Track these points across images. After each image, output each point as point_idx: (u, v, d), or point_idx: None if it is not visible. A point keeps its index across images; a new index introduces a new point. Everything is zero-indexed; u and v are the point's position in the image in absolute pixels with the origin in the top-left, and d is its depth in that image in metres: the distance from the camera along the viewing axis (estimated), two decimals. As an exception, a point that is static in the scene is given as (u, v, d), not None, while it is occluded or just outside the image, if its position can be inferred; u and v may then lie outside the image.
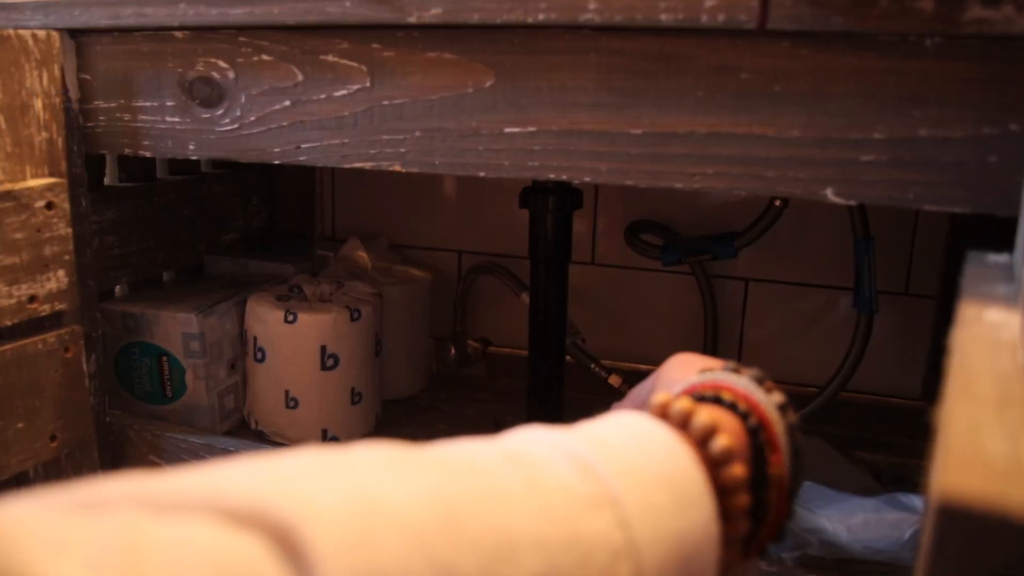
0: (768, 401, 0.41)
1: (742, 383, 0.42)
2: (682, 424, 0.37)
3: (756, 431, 0.39)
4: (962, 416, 0.23)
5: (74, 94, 0.72)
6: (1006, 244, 0.45)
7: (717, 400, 0.41)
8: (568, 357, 0.93)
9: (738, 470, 0.36)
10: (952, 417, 0.23)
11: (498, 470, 0.31)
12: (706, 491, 0.34)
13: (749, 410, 0.40)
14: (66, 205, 0.70)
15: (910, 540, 0.64)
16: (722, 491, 0.35)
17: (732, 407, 0.40)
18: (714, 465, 0.36)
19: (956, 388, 0.25)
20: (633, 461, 0.33)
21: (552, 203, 0.83)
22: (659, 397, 0.38)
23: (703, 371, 0.44)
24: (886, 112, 0.50)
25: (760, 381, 0.42)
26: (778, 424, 0.41)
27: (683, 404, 0.37)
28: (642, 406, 0.40)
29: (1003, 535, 0.19)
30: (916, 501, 0.69)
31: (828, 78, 0.51)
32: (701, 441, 0.36)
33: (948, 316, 0.33)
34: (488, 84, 0.59)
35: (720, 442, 0.36)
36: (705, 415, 0.37)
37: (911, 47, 0.49)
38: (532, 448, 0.33)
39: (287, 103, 0.65)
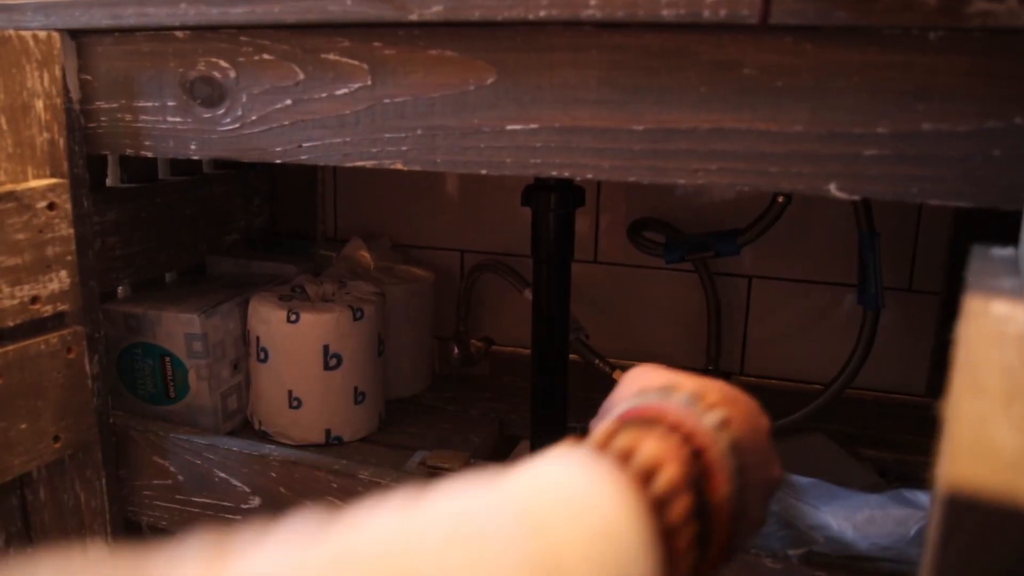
0: (707, 421, 0.41)
1: (679, 405, 0.42)
2: (623, 460, 0.37)
3: (697, 456, 0.39)
4: (969, 408, 0.23)
5: (75, 95, 0.72)
6: (1011, 238, 0.45)
7: (656, 422, 0.40)
8: (571, 355, 0.93)
9: (679, 508, 0.36)
10: (959, 409, 0.23)
11: (439, 557, 0.30)
12: (647, 537, 0.34)
13: (687, 436, 0.40)
14: (68, 206, 0.70)
15: (916, 536, 0.64)
16: (667, 530, 0.36)
17: (671, 432, 0.40)
18: (657, 505, 0.36)
19: (963, 381, 0.25)
20: (573, 521, 0.33)
21: (554, 201, 0.83)
22: (600, 432, 0.38)
23: (641, 392, 0.44)
24: (890, 106, 0.50)
25: (696, 400, 0.42)
26: (717, 445, 0.40)
27: (624, 441, 0.37)
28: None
29: (1011, 526, 0.19)
30: (922, 497, 0.69)
31: (831, 73, 0.51)
32: (642, 480, 0.36)
33: (952, 312, 0.33)
34: (490, 81, 0.59)
35: (661, 482, 0.36)
36: (646, 452, 0.37)
37: (915, 41, 0.49)
38: (470, 516, 0.32)
39: (288, 102, 0.65)
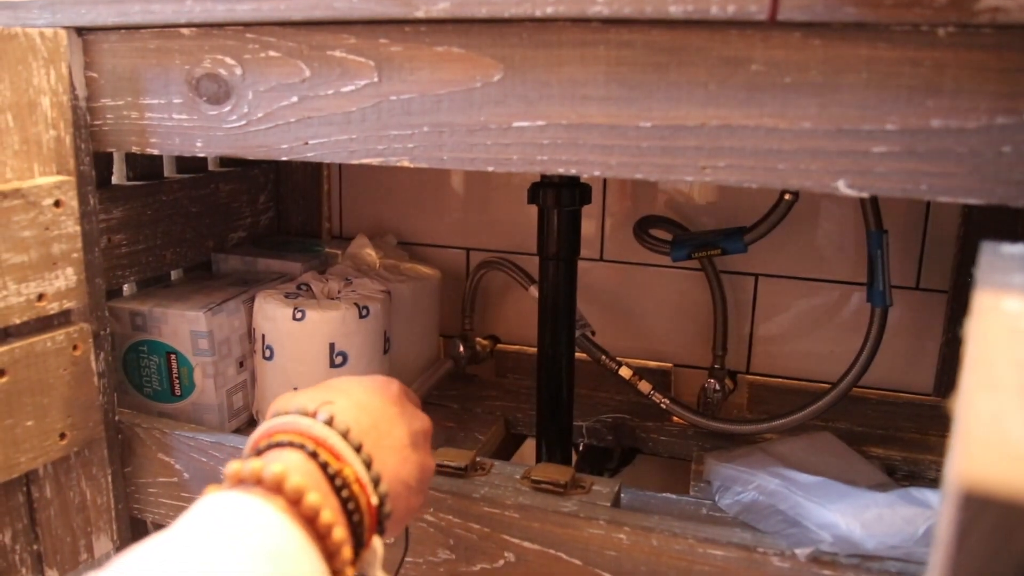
0: (319, 425, 0.48)
1: (294, 423, 0.48)
2: (276, 488, 0.43)
3: (316, 456, 0.46)
4: (983, 404, 0.23)
5: (81, 92, 0.72)
6: (1021, 235, 0.45)
7: (290, 444, 0.47)
8: (577, 352, 0.93)
9: (327, 517, 0.43)
10: (973, 406, 0.23)
11: None
12: (306, 546, 0.41)
13: (310, 441, 0.47)
14: (74, 203, 0.70)
15: (924, 536, 0.64)
16: (321, 535, 0.43)
17: (301, 447, 0.47)
18: (309, 519, 0.43)
19: (976, 377, 0.25)
20: (245, 553, 0.39)
21: (561, 198, 0.82)
22: (249, 468, 0.43)
23: (276, 413, 0.51)
24: (899, 103, 0.50)
25: (304, 413, 0.49)
26: (339, 446, 0.47)
27: (275, 471, 0.43)
28: None
29: (1029, 523, 0.18)
30: (930, 496, 0.68)
31: (840, 69, 0.50)
32: (294, 501, 0.43)
33: (961, 311, 0.33)
34: (496, 78, 0.59)
35: (310, 501, 0.43)
36: (295, 479, 0.43)
37: (924, 37, 0.48)
38: None
39: (294, 99, 0.65)
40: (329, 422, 0.48)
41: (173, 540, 0.39)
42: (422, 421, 0.58)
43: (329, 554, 0.43)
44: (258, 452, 0.48)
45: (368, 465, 0.48)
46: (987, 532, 0.19)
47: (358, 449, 0.48)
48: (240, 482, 0.44)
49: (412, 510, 0.55)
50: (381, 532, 0.49)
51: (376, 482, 0.48)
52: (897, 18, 0.47)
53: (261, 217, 1.19)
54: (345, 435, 0.48)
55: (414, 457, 0.54)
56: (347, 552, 0.44)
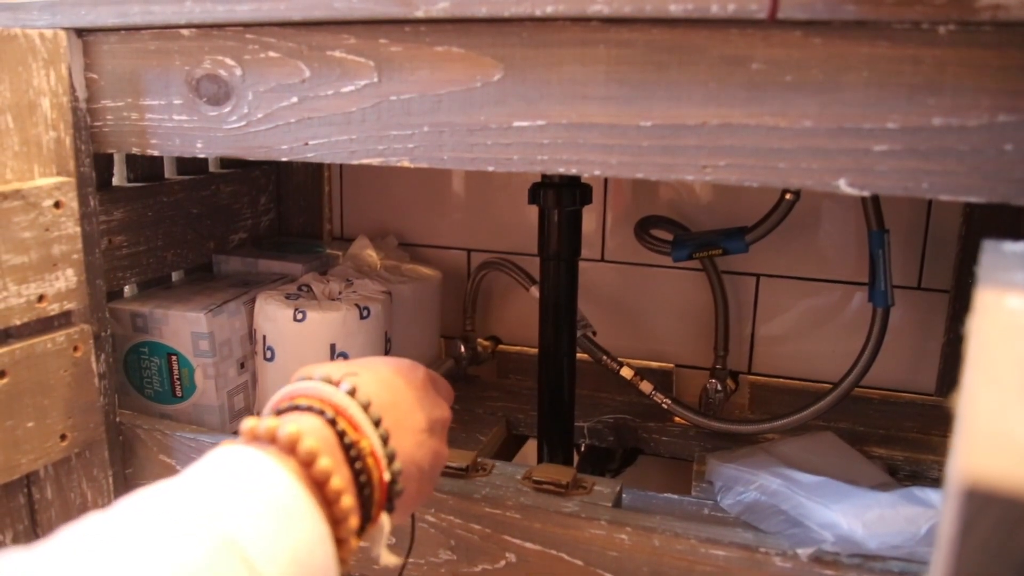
0: (340, 393, 0.48)
1: (315, 387, 0.49)
2: (289, 448, 0.43)
3: (334, 423, 0.47)
4: (986, 401, 0.23)
5: (81, 93, 0.72)
6: (1023, 234, 0.45)
7: (306, 408, 0.47)
8: (578, 353, 0.93)
9: (337, 483, 0.43)
10: (975, 403, 0.23)
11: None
12: (310, 507, 0.41)
13: (328, 408, 0.47)
14: (74, 204, 0.70)
15: (927, 535, 0.64)
16: (328, 501, 0.43)
17: (317, 413, 0.47)
18: (318, 483, 0.43)
19: (978, 374, 0.25)
20: (248, 505, 0.39)
21: (561, 198, 0.82)
22: (265, 425, 0.44)
23: (301, 378, 0.51)
24: (900, 101, 0.49)
25: (327, 380, 0.49)
26: (350, 409, 0.48)
27: (290, 431, 0.43)
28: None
29: (1032, 520, 0.18)
30: (932, 496, 0.68)
31: (841, 67, 0.50)
32: (306, 463, 0.43)
33: (963, 310, 0.33)
34: (496, 78, 0.59)
35: (321, 465, 0.43)
36: (309, 441, 0.43)
37: (925, 35, 0.48)
38: (167, 530, 0.36)
39: (294, 100, 0.65)
40: (352, 393, 0.49)
41: (183, 485, 0.39)
42: (442, 410, 0.58)
43: (335, 520, 0.43)
44: (278, 413, 0.48)
45: (385, 441, 0.48)
46: (989, 529, 0.19)
47: (377, 423, 0.48)
48: (255, 439, 0.44)
49: (422, 495, 0.55)
50: (390, 510, 0.49)
51: (391, 458, 0.48)
52: (898, 16, 0.47)
53: (262, 218, 1.19)
54: (366, 407, 0.48)
55: (430, 443, 0.54)
56: (353, 521, 0.44)
